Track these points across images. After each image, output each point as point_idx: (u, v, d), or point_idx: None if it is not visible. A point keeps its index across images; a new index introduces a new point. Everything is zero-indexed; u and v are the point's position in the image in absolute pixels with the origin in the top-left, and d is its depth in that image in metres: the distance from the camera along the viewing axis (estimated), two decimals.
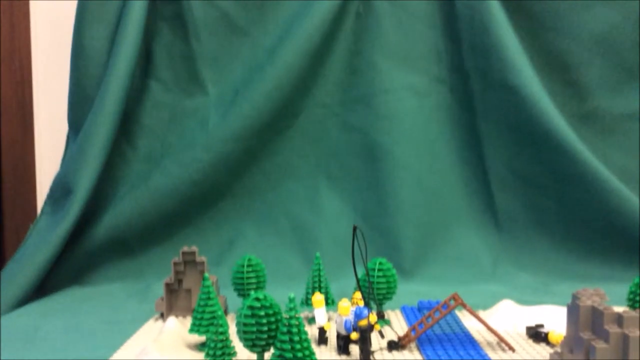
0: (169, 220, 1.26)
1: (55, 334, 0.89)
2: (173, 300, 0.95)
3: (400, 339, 0.77)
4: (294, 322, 0.61)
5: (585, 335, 0.62)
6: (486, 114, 1.25)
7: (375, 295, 0.87)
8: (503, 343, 0.77)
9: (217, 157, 1.24)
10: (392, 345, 0.76)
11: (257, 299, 0.65)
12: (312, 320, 0.88)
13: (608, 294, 0.66)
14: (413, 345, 0.78)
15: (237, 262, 0.91)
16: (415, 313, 0.93)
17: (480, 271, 1.20)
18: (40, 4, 1.39)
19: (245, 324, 0.65)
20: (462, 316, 0.89)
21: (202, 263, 0.92)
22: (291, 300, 0.62)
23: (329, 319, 0.84)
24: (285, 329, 0.61)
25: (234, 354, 0.71)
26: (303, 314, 0.93)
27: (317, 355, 0.64)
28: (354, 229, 0.76)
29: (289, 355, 0.61)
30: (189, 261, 0.93)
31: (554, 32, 1.24)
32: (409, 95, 1.27)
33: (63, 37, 1.33)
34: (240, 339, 0.66)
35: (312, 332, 0.81)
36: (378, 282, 0.87)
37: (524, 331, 0.83)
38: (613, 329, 0.59)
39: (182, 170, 1.24)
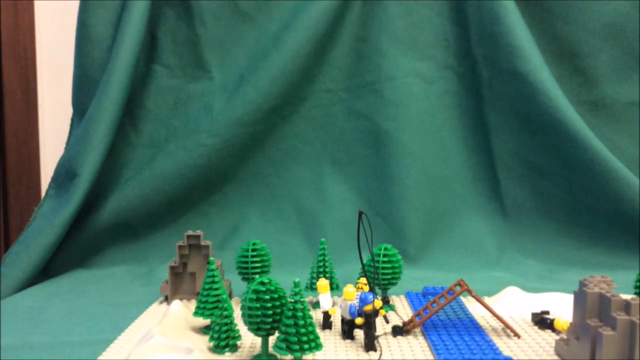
0: (174, 204, 1.26)
1: (60, 316, 0.89)
2: (177, 283, 0.95)
3: (405, 324, 0.77)
4: (298, 306, 0.61)
5: (592, 322, 0.62)
6: (494, 100, 1.24)
7: (380, 280, 0.87)
8: (508, 329, 0.77)
9: (222, 142, 1.24)
10: (397, 331, 0.76)
11: (262, 283, 0.65)
12: (316, 305, 0.88)
13: (614, 281, 0.66)
14: (418, 330, 0.78)
15: (241, 246, 0.91)
16: (419, 299, 0.93)
17: (486, 258, 1.20)
18: None
19: (250, 308, 0.65)
20: (467, 302, 0.89)
21: (207, 247, 0.93)
22: (296, 284, 0.62)
23: (334, 304, 0.84)
24: (290, 313, 0.61)
25: (239, 337, 0.72)
26: (307, 298, 0.93)
27: (322, 340, 0.64)
28: (360, 214, 0.76)
29: (294, 339, 0.61)
30: (194, 245, 0.93)
31: (563, 20, 1.23)
32: (415, 82, 1.26)
33: (67, 22, 1.32)
34: (245, 322, 0.66)
35: (316, 316, 0.81)
36: (383, 268, 0.87)
37: (530, 317, 0.82)
38: (620, 316, 0.59)
39: (187, 155, 1.24)
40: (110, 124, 1.20)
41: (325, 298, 0.80)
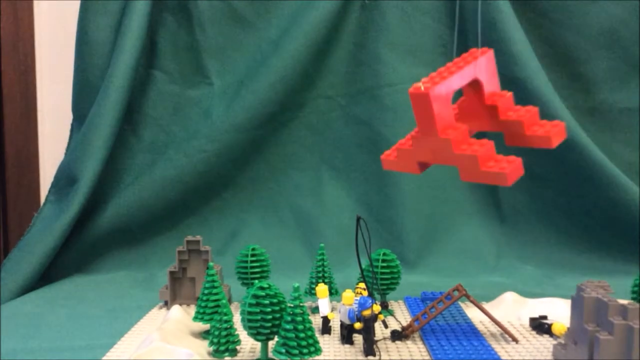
0: (173, 209, 1.26)
1: (59, 321, 0.89)
2: (177, 288, 0.95)
3: (403, 329, 0.77)
4: (298, 311, 0.62)
5: (590, 326, 0.62)
6: None
7: (379, 285, 0.88)
8: (506, 334, 0.77)
9: (221, 147, 1.25)
10: (396, 335, 0.77)
11: (262, 288, 0.65)
12: (315, 310, 0.88)
13: (612, 286, 0.67)
14: (416, 335, 0.78)
15: (241, 251, 0.92)
16: (418, 304, 0.93)
17: (484, 263, 1.20)
18: None
19: (249, 313, 0.65)
20: (465, 307, 0.90)
21: (207, 252, 0.93)
22: (296, 289, 0.62)
23: (333, 309, 0.84)
24: (289, 318, 0.62)
25: (238, 342, 0.72)
26: (307, 303, 0.93)
27: (321, 345, 0.64)
28: (358, 219, 0.76)
29: (293, 343, 0.61)
30: (194, 250, 0.93)
31: (560, 26, 1.24)
32: None
33: (67, 27, 1.33)
34: (245, 327, 0.66)
35: (315, 321, 0.81)
36: (382, 273, 0.88)
37: (528, 322, 0.83)
38: (618, 321, 0.59)
39: (186, 161, 1.24)
40: (110, 129, 1.20)
41: (324, 303, 0.80)
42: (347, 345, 0.75)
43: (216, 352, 0.71)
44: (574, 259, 1.19)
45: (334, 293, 0.90)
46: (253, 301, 0.65)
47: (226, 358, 0.71)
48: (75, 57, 1.27)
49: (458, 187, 1.27)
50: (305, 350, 0.61)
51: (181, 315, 0.80)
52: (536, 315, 0.83)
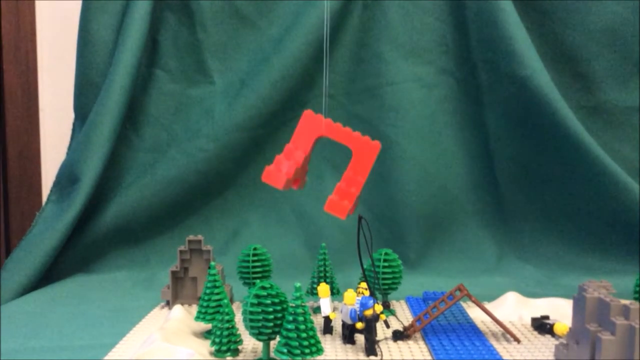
0: (175, 209, 1.26)
1: (61, 321, 0.89)
2: (179, 288, 0.95)
3: (405, 328, 0.77)
4: (300, 310, 0.62)
5: (592, 326, 0.62)
6: (493, 105, 1.24)
7: (381, 285, 0.87)
8: (508, 334, 0.77)
9: (223, 146, 1.25)
10: (398, 335, 0.77)
11: (264, 288, 0.65)
12: (317, 310, 0.88)
13: (613, 286, 0.67)
14: (418, 335, 0.78)
15: (242, 251, 0.91)
16: (420, 303, 0.93)
17: (485, 263, 1.20)
18: None
19: (251, 313, 0.65)
20: (467, 307, 0.90)
21: (208, 251, 0.93)
22: (297, 289, 0.62)
23: (334, 309, 0.84)
24: (291, 318, 0.62)
25: (240, 342, 0.72)
26: (308, 303, 0.93)
27: (323, 344, 0.64)
28: (359, 219, 0.76)
29: (295, 343, 0.61)
30: (195, 249, 0.93)
31: (563, 25, 1.24)
32: (415, 87, 1.27)
33: (69, 26, 1.33)
34: (247, 327, 0.66)
35: (317, 321, 0.81)
36: (383, 273, 0.88)
37: (529, 322, 0.83)
38: (619, 321, 0.59)
39: (188, 160, 1.25)
40: (112, 128, 1.20)
41: (325, 303, 0.80)
42: (348, 345, 0.75)
43: (218, 352, 0.71)
44: (576, 258, 1.19)
45: (335, 293, 0.90)
46: (255, 301, 0.65)
47: (228, 358, 0.71)
48: (77, 56, 1.27)
49: (460, 187, 1.27)
50: (307, 350, 0.61)
51: (183, 315, 0.80)
52: (538, 315, 0.83)
